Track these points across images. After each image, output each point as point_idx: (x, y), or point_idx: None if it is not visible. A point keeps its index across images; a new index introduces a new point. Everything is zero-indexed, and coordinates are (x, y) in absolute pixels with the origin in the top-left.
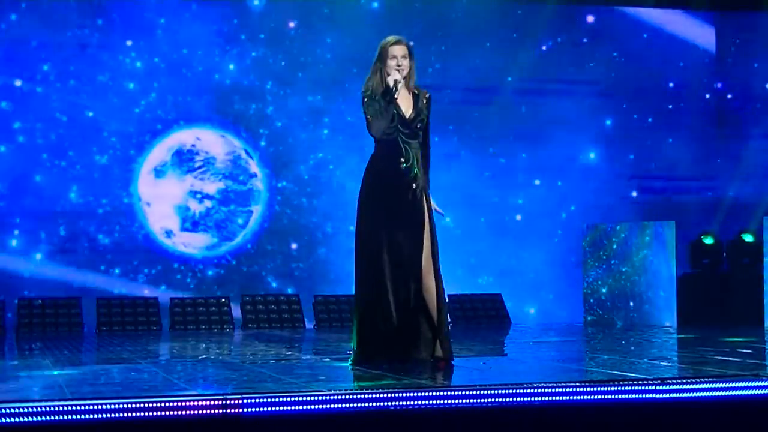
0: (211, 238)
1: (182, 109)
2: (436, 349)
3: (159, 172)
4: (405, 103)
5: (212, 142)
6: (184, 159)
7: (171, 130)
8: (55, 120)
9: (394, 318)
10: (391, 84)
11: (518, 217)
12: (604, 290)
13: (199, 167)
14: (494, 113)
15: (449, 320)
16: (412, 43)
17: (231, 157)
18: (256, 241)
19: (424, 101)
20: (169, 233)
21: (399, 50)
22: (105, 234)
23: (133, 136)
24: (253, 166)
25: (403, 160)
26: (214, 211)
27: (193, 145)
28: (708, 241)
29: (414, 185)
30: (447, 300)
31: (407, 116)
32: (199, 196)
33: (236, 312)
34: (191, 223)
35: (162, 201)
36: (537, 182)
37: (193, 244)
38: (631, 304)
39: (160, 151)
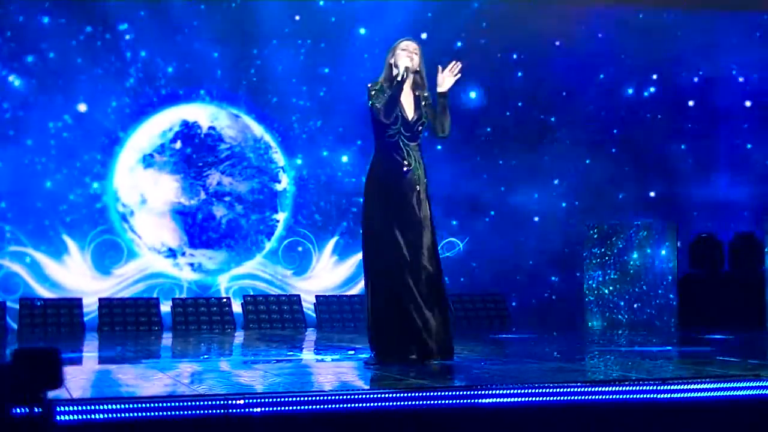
0: (230, 256)
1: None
2: (434, 347)
3: (152, 164)
4: (408, 105)
5: (227, 123)
6: (195, 146)
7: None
8: None
9: (410, 317)
10: (402, 70)
11: (520, 217)
12: (604, 290)
13: (226, 158)
14: (496, 113)
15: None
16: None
17: (256, 145)
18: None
19: (423, 103)
20: (172, 252)
21: (410, 45)
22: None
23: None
24: (279, 158)
25: (406, 162)
26: (245, 221)
27: (212, 128)
28: (705, 240)
29: (417, 187)
30: (449, 300)
31: (410, 118)
32: (228, 198)
33: (237, 312)
34: (205, 238)
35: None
36: (538, 182)
37: (205, 265)
38: (632, 304)
39: (149, 134)
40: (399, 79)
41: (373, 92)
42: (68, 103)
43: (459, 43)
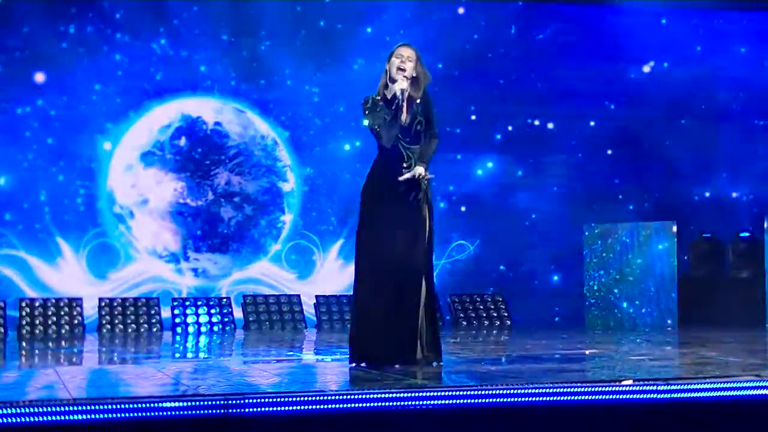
0: (234, 260)
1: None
2: (423, 349)
3: (153, 162)
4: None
5: (231, 119)
6: (200, 144)
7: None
8: None
9: (389, 319)
10: (398, 93)
11: (519, 217)
12: (604, 290)
13: (235, 156)
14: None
15: (441, 322)
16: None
17: (261, 143)
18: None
19: (418, 100)
20: (174, 257)
21: (405, 50)
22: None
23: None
24: (284, 156)
25: (405, 165)
26: (252, 223)
27: (218, 123)
28: (706, 240)
29: (415, 190)
30: (439, 302)
31: (404, 122)
32: (237, 199)
33: (237, 312)
34: (209, 242)
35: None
36: (538, 182)
37: (209, 269)
38: (633, 304)
39: (147, 130)
40: (396, 104)
41: (366, 110)
42: (54, 94)
43: (467, 45)
